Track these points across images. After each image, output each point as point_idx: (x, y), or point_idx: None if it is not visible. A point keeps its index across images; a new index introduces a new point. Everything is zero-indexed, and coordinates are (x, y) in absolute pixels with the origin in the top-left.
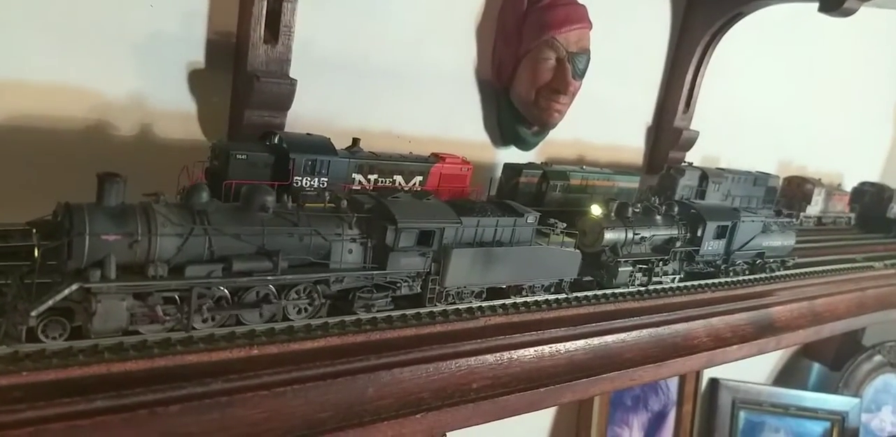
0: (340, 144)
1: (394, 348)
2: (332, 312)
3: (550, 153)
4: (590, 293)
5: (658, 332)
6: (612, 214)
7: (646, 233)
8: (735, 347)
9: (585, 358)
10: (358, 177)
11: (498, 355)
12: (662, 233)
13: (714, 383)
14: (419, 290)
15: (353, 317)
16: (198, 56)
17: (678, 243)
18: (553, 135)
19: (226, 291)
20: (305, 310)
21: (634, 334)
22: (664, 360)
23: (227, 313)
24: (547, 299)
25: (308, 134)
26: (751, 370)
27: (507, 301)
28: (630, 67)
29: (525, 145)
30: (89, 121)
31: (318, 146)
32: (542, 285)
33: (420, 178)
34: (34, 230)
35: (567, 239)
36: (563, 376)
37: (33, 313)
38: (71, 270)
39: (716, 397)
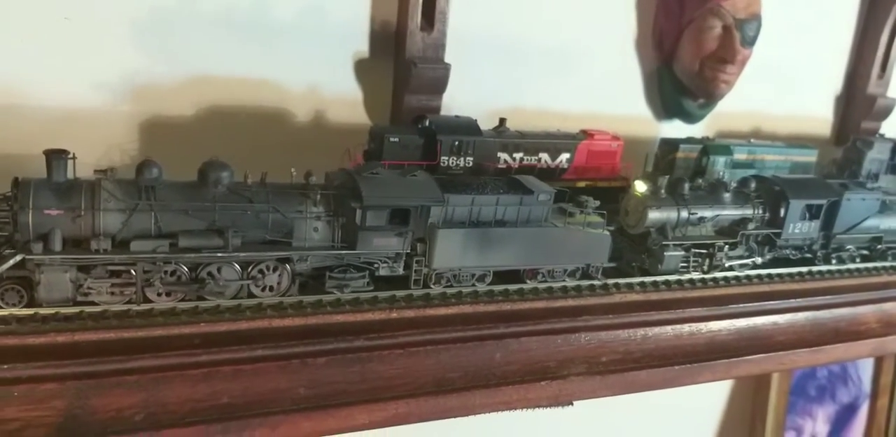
0: (494, 123)
1: (523, 319)
2: (306, 291)
3: (721, 126)
4: (635, 280)
5: (817, 315)
6: (663, 190)
7: (706, 212)
8: None
9: (728, 339)
10: (503, 156)
11: (631, 331)
12: (730, 213)
13: None
14: (401, 271)
15: (332, 297)
16: (362, 46)
17: (751, 225)
18: (723, 107)
19: (183, 266)
20: (272, 289)
21: (789, 316)
22: (822, 345)
23: (181, 288)
24: (691, 279)
25: (456, 116)
26: None
27: (634, 280)
28: (813, 30)
29: (690, 119)
30: (272, 109)
31: (464, 127)
32: (565, 270)
33: (567, 155)
34: None
35: (593, 219)
36: (701, 355)
37: None
38: (21, 242)
39: None
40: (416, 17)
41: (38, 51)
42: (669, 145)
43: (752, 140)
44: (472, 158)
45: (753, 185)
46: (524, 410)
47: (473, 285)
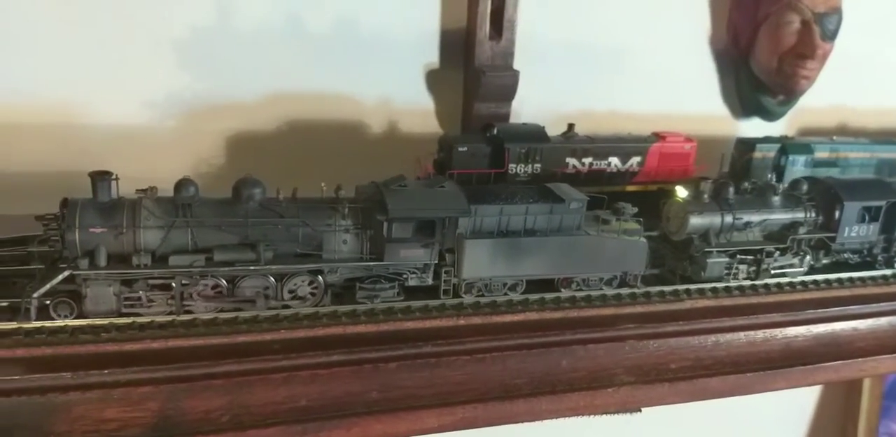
0: (564, 128)
1: (589, 326)
2: (339, 301)
3: (803, 123)
4: (669, 288)
5: None
6: (706, 195)
7: (753, 217)
8: None
9: (805, 345)
10: (572, 161)
11: (702, 337)
12: (779, 217)
13: None
14: (430, 282)
15: (362, 307)
16: (433, 57)
17: (802, 229)
18: (806, 102)
19: (221, 279)
20: (306, 299)
21: (870, 322)
22: None
23: (218, 303)
24: (766, 284)
25: (524, 124)
26: None
27: (706, 286)
28: None
29: (770, 116)
30: (348, 121)
31: (532, 135)
32: (601, 279)
33: (638, 158)
34: (42, 223)
35: (630, 226)
36: (776, 362)
37: (35, 295)
38: (70, 258)
39: None
40: (484, 26)
41: (93, 73)
42: (745, 145)
43: (834, 137)
44: (540, 165)
45: (805, 187)
46: (592, 416)
47: (505, 294)
